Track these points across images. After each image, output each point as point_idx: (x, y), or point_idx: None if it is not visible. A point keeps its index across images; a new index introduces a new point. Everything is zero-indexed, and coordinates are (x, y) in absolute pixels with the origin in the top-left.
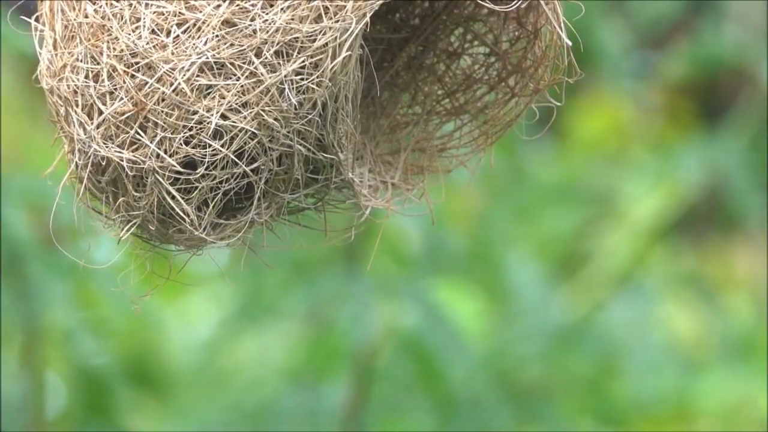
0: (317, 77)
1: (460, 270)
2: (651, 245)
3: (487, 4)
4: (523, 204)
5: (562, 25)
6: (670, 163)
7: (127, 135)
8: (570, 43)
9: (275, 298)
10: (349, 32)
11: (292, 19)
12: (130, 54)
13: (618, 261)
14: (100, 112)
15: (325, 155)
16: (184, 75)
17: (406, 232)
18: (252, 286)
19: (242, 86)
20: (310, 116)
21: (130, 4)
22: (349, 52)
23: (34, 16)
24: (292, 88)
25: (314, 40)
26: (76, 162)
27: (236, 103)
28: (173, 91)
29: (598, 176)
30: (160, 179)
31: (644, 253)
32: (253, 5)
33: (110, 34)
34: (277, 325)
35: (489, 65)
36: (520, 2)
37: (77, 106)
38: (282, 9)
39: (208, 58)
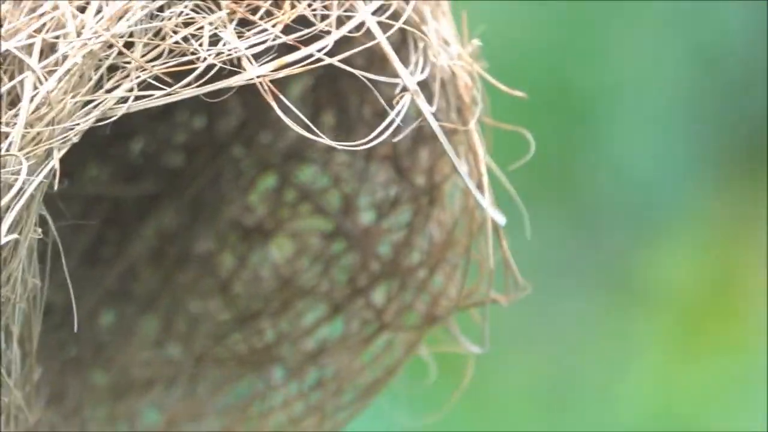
0: None
1: None
2: None
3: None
4: None
5: (484, 174)
6: None
7: None
8: (503, 221)
9: None
10: (14, 191)
11: None
12: None
13: None
14: None
15: None
16: None
17: None
18: None
19: None
20: None
21: None
22: (15, 235)
23: None
24: None
25: None
26: None
27: None
28: None
29: None
30: None
31: None
32: None
33: None
34: None
35: (330, 260)
36: (393, 129)
37: None
38: None
39: None
